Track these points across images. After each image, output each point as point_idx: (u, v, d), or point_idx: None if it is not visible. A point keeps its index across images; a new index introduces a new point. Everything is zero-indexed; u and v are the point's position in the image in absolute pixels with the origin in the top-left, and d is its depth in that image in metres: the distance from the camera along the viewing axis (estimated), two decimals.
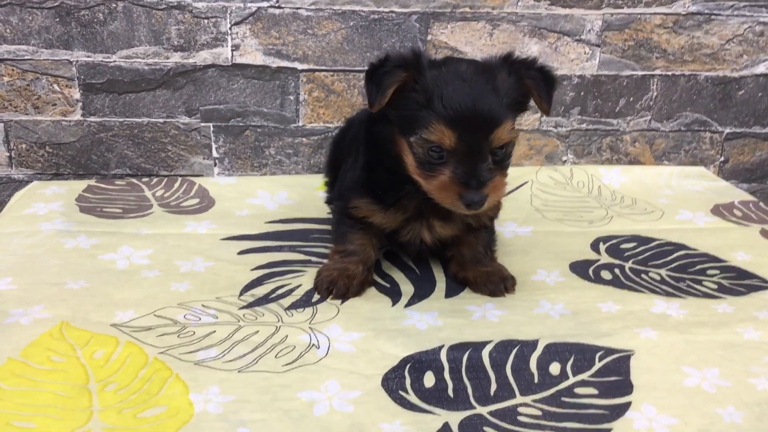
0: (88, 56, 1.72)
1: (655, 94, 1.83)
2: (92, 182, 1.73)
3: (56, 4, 1.67)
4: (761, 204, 1.71)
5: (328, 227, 1.53)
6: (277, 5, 1.71)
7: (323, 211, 1.61)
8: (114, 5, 1.68)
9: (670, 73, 1.82)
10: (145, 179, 1.76)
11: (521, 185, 1.77)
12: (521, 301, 1.28)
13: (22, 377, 1.01)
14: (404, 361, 1.09)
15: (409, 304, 1.26)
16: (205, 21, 1.71)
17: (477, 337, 1.16)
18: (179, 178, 1.75)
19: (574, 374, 1.07)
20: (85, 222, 1.52)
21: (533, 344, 1.14)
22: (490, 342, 1.14)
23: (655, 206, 1.70)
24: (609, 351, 1.12)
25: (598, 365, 1.09)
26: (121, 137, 1.78)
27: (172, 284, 1.29)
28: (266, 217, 1.59)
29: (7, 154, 1.78)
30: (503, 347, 1.13)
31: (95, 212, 1.57)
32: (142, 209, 1.60)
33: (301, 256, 1.43)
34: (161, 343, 1.11)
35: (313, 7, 1.71)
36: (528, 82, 1.16)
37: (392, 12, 1.73)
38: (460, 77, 1.12)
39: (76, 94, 1.75)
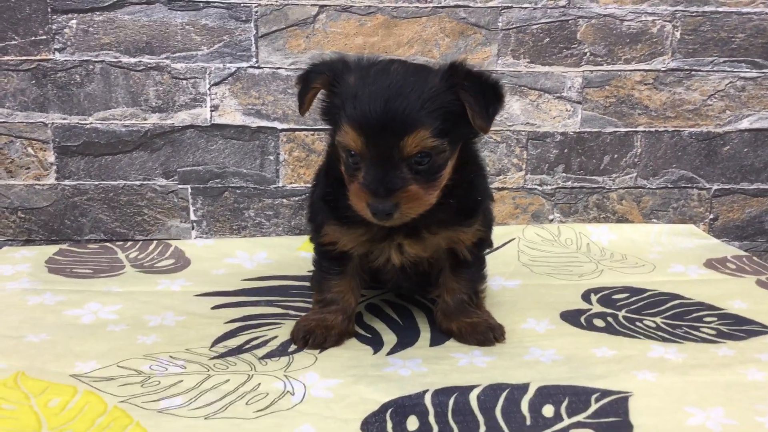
0: (64, 118, 1.69)
1: (639, 150, 1.81)
2: (63, 246, 1.67)
3: (32, 66, 1.66)
4: (755, 258, 1.66)
5: (308, 284, 1.47)
6: (256, 65, 1.70)
7: (304, 269, 1.55)
8: (92, 67, 1.67)
9: (653, 129, 1.80)
10: (119, 243, 1.70)
11: (508, 242, 1.72)
12: (510, 348, 1.21)
13: None
14: (385, 406, 1.01)
15: (391, 353, 1.19)
16: (184, 82, 1.69)
17: (464, 381, 1.08)
18: (155, 241, 1.70)
19: (569, 416, 1.00)
20: (52, 281, 1.45)
21: (524, 387, 1.06)
22: (477, 386, 1.07)
23: (646, 261, 1.65)
24: (605, 393, 1.05)
25: (594, 406, 1.02)
26: (95, 201, 1.73)
27: (139, 337, 1.22)
28: (243, 275, 1.53)
29: None
30: (492, 390, 1.05)
31: (64, 273, 1.50)
32: (114, 270, 1.53)
33: (279, 310, 1.36)
34: (123, 392, 1.03)
35: (293, 66, 1.70)
36: (462, 93, 1.06)
37: None
38: (383, 80, 1.05)
39: (51, 157, 1.71)
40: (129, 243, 1.68)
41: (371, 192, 1.03)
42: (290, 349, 1.19)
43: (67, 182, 1.73)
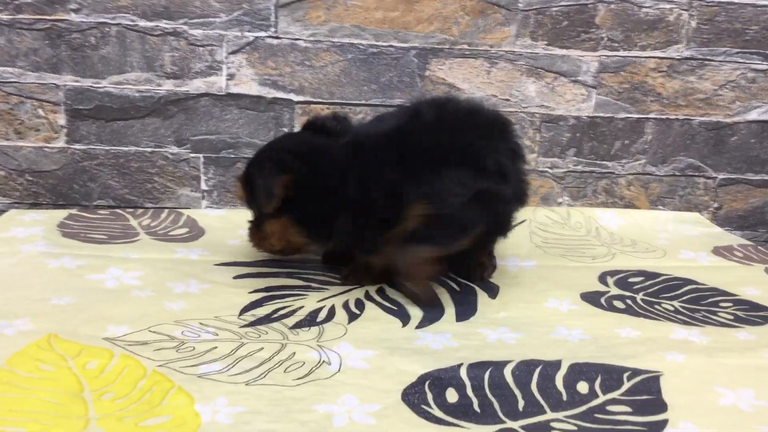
0: (77, 81, 1.66)
1: (649, 137, 1.83)
2: (73, 211, 1.64)
3: (47, 26, 1.63)
4: (760, 247, 1.70)
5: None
6: (275, 35, 1.68)
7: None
8: (107, 29, 1.64)
9: (664, 116, 1.82)
10: (129, 210, 1.68)
11: (519, 223, 1.72)
12: (537, 327, 1.22)
13: (9, 384, 0.91)
14: (423, 378, 1.02)
15: (420, 326, 1.20)
16: (201, 49, 1.67)
17: (496, 357, 1.09)
18: (166, 210, 1.68)
19: (604, 393, 1.01)
20: (69, 246, 1.43)
21: (556, 364, 1.07)
22: (510, 361, 1.08)
23: (656, 246, 1.67)
24: (636, 372, 1.07)
25: (627, 384, 1.03)
26: (105, 166, 1.71)
27: (166, 303, 1.21)
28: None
29: None
30: (525, 366, 1.06)
31: (79, 237, 1.48)
32: (128, 236, 1.52)
33: (301, 282, 1.36)
34: (159, 356, 1.02)
35: (311, 38, 1.69)
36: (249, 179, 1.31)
37: (391, 46, 1.71)
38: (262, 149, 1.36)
39: (62, 119, 1.68)
40: (140, 210, 1.66)
41: None
42: (319, 319, 1.19)
43: (77, 146, 1.70)
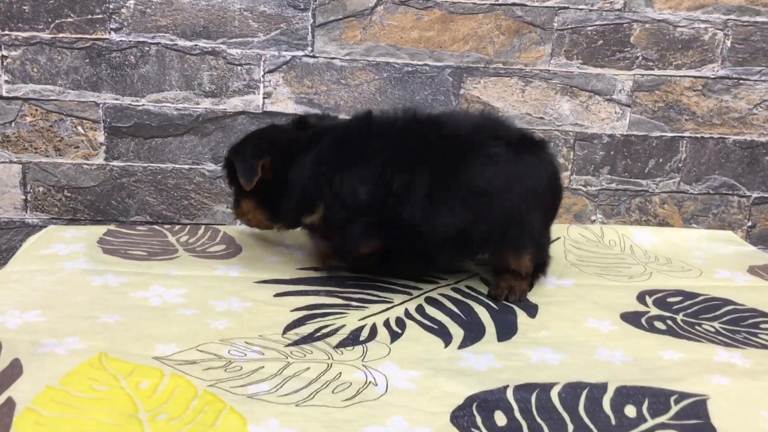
0: (116, 99, 1.68)
1: (684, 156, 1.83)
2: (112, 227, 1.66)
3: (87, 45, 1.65)
4: None
5: (362, 277, 1.47)
6: (311, 54, 1.70)
7: None
8: (147, 48, 1.66)
9: (698, 135, 1.82)
10: (167, 226, 1.69)
11: (553, 241, 1.72)
12: (578, 347, 1.22)
13: (64, 404, 0.92)
14: (470, 400, 1.02)
15: (462, 347, 1.20)
16: (239, 68, 1.69)
17: (541, 378, 1.09)
18: (203, 226, 1.69)
19: (652, 417, 1.01)
20: (110, 262, 1.44)
21: (603, 387, 1.07)
22: (556, 384, 1.08)
23: (691, 265, 1.66)
24: (683, 395, 1.06)
25: (675, 408, 1.03)
26: (143, 183, 1.73)
27: (211, 322, 1.22)
28: (297, 264, 1.53)
29: (23, 197, 1.72)
30: (572, 389, 1.06)
31: (119, 254, 1.50)
32: (168, 253, 1.53)
33: (341, 300, 1.36)
34: (208, 376, 1.03)
35: (347, 57, 1.70)
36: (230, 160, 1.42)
37: (426, 65, 1.73)
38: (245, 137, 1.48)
39: (101, 137, 1.70)
40: (177, 227, 1.68)
41: None
42: (361, 338, 1.20)
43: (115, 163, 1.72)
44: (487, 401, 1.02)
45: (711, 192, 1.86)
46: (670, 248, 1.78)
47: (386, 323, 1.27)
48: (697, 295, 1.48)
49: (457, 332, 1.25)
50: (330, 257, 1.47)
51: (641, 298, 1.45)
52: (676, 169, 1.84)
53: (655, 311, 1.39)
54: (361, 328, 1.25)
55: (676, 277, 1.59)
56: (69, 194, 1.73)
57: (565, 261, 1.64)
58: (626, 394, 1.06)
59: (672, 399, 1.05)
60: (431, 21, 1.71)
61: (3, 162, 1.70)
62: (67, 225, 1.71)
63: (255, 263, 1.51)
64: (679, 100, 1.80)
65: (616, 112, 1.80)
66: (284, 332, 1.20)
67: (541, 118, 1.78)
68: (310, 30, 1.69)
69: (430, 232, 1.32)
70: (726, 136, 1.83)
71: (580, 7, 1.73)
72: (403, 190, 1.30)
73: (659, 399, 1.05)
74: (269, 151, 1.38)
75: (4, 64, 1.65)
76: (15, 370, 0.99)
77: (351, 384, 1.04)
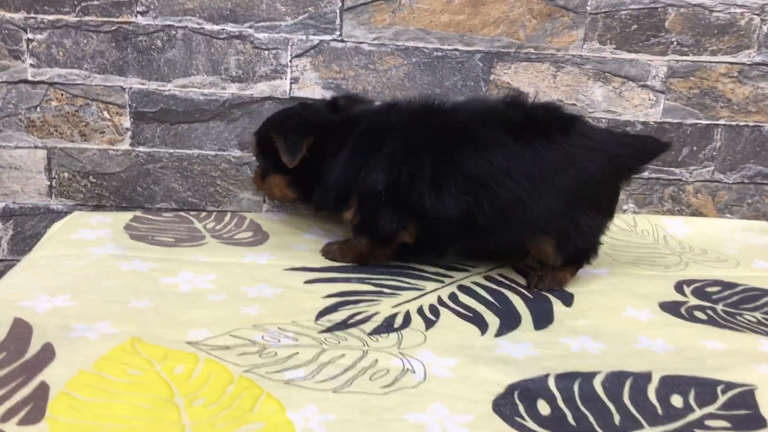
0: (143, 83, 1.66)
1: (718, 144, 1.79)
2: (138, 213, 1.64)
3: (113, 28, 1.63)
4: None
5: (392, 264, 1.45)
6: (339, 39, 1.67)
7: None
8: (174, 32, 1.64)
9: (734, 123, 1.78)
10: (193, 213, 1.67)
11: None
12: (618, 336, 1.19)
13: (99, 389, 0.90)
14: (511, 388, 1.00)
15: (499, 334, 1.17)
16: (266, 52, 1.66)
17: (582, 367, 1.06)
18: (229, 213, 1.67)
19: (699, 407, 0.98)
20: (138, 248, 1.43)
21: (647, 376, 1.05)
22: (599, 372, 1.05)
23: (727, 256, 1.63)
24: (730, 385, 1.03)
25: (722, 398, 1.00)
26: (169, 169, 1.71)
27: (242, 308, 1.20)
28: None
29: (48, 183, 1.70)
30: (615, 378, 1.04)
31: (147, 240, 1.48)
32: (195, 239, 1.51)
33: (372, 287, 1.34)
34: (243, 361, 1.01)
35: (376, 41, 1.67)
36: (272, 135, 1.44)
37: (456, 50, 1.69)
38: (277, 113, 1.55)
39: (127, 122, 1.68)
40: (204, 213, 1.66)
41: None
42: (396, 326, 1.18)
43: (141, 149, 1.70)
44: (529, 390, 1.00)
45: (746, 181, 1.82)
46: (704, 239, 1.74)
47: (420, 311, 1.25)
48: (736, 285, 1.45)
49: (493, 320, 1.23)
50: (369, 256, 1.44)
51: (679, 287, 1.42)
52: (710, 158, 1.80)
53: (694, 301, 1.36)
54: (395, 315, 1.22)
55: (713, 267, 1.55)
56: (94, 180, 1.71)
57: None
58: (671, 384, 1.03)
59: (719, 389, 1.02)
60: (462, 4, 1.67)
61: (28, 147, 1.68)
62: (92, 211, 1.69)
63: (283, 251, 1.49)
64: (714, 86, 1.76)
65: (649, 99, 1.76)
66: (317, 318, 1.18)
67: (573, 104, 1.74)
68: (338, 13, 1.66)
69: (435, 217, 1.34)
70: (762, 124, 1.79)
71: None
72: (409, 178, 1.34)
73: (705, 389, 1.02)
74: (312, 130, 1.42)
75: (30, 47, 1.63)
76: (47, 354, 0.97)
77: (388, 371, 1.02)
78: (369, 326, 1.17)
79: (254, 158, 1.63)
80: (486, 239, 1.40)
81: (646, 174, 1.80)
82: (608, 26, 1.71)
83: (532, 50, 1.71)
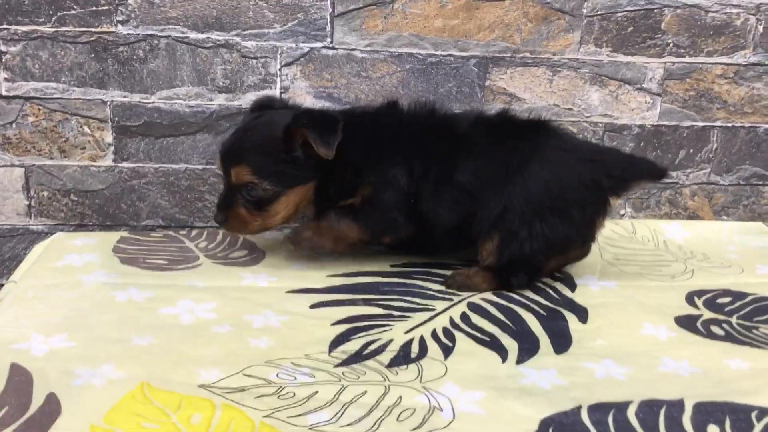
0: (125, 96, 1.58)
1: (715, 146, 1.77)
2: (124, 233, 1.56)
3: (92, 39, 1.55)
4: None
5: (395, 280, 1.41)
6: (331, 46, 1.61)
7: (385, 263, 1.48)
8: (156, 42, 1.56)
9: (730, 124, 1.76)
10: (182, 231, 1.60)
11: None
12: (641, 358, 1.16)
13: None
14: (544, 424, 0.96)
15: (520, 361, 1.13)
16: (254, 61, 1.59)
17: (613, 396, 1.03)
18: (221, 231, 1.60)
19: None
20: (130, 274, 1.35)
21: (679, 404, 1.01)
22: (630, 402, 1.01)
23: (729, 261, 1.61)
24: (763, 411, 1.01)
25: (758, 426, 0.98)
26: (154, 185, 1.63)
27: (250, 340, 1.14)
28: (326, 271, 1.44)
29: (26, 202, 1.62)
30: (648, 408, 1.00)
31: (138, 263, 1.40)
32: (189, 260, 1.44)
33: (380, 310, 1.29)
34: (262, 405, 0.96)
35: (368, 48, 1.62)
36: (297, 132, 1.29)
37: (450, 55, 1.64)
38: (247, 124, 1.39)
39: (108, 137, 1.60)
40: (194, 231, 1.59)
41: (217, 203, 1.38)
42: (413, 355, 1.13)
43: (125, 164, 1.62)
44: (563, 425, 0.96)
45: (741, 183, 1.81)
46: (704, 242, 1.72)
47: (434, 335, 1.20)
48: (745, 294, 1.43)
49: (511, 344, 1.19)
50: (351, 235, 1.40)
51: (690, 299, 1.39)
52: (706, 160, 1.78)
53: (708, 314, 1.33)
54: (410, 342, 1.17)
55: (719, 274, 1.53)
56: (76, 198, 1.63)
57: (602, 260, 1.58)
58: (705, 412, 1.00)
59: (753, 415, 1.00)
60: (456, 8, 1.62)
61: (4, 165, 1.59)
62: (75, 231, 1.61)
63: (282, 270, 1.43)
64: (711, 88, 1.74)
65: (646, 102, 1.73)
66: (330, 350, 1.13)
67: (570, 109, 1.71)
68: (329, 20, 1.60)
69: (436, 224, 1.39)
70: (758, 125, 1.78)
71: None
72: (417, 185, 1.37)
73: (740, 416, 0.99)
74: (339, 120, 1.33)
75: (3, 60, 1.54)
76: (53, 407, 0.90)
77: (415, 410, 0.97)
78: (385, 357, 1.12)
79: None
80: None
81: None
82: (604, 29, 1.67)
83: (527, 54, 1.67)
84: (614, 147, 1.69)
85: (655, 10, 1.67)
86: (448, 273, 1.44)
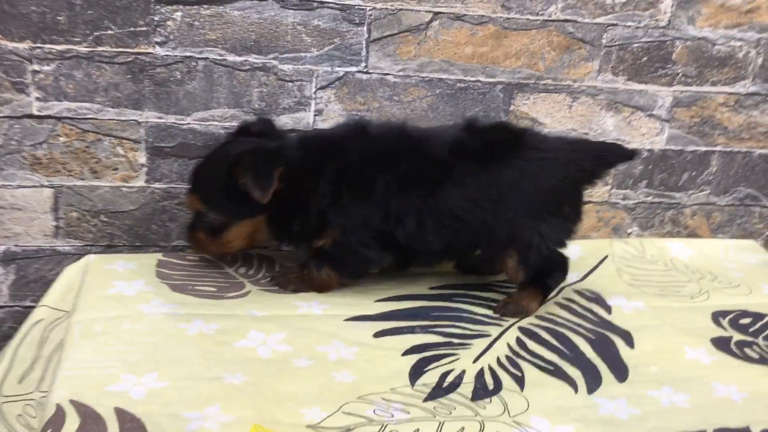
0: (160, 117, 1.57)
1: (714, 169, 1.88)
2: (160, 256, 1.56)
3: (129, 59, 1.53)
4: None
5: (440, 303, 1.46)
6: (365, 70, 1.63)
7: (424, 286, 1.53)
8: (194, 64, 1.55)
9: (729, 149, 1.88)
10: None
11: (603, 259, 1.74)
12: (694, 384, 1.24)
13: None
14: None
15: (591, 391, 1.20)
16: (290, 84, 1.61)
17: (686, 426, 1.11)
18: (255, 256, 1.61)
19: None
20: (186, 303, 1.36)
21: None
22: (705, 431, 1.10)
23: (736, 280, 1.72)
24: None
25: None
26: (186, 206, 1.62)
27: (333, 374, 1.17)
28: (372, 296, 1.47)
29: (54, 223, 1.59)
30: None
31: (188, 291, 1.41)
32: (236, 287, 1.45)
33: (440, 338, 1.33)
34: None
35: (401, 73, 1.65)
36: (237, 170, 1.32)
37: (478, 81, 1.69)
38: (216, 152, 1.42)
39: (142, 158, 1.59)
40: (228, 257, 1.59)
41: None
42: (489, 387, 1.18)
43: (157, 185, 1.61)
44: None
45: (736, 203, 1.93)
46: (704, 260, 1.82)
47: (501, 365, 1.26)
48: (762, 315, 1.53)
49: (575, 374, 1.25)
50: (332, 284, 1.46)
51: (716, 320, 1.49)
52: (706, 182, 1.89)
53: (737, 335, 1.43)
54: (482, 372, 1.23)
55: (731, 294, 1.63)
56: (105, 219, 1.61)
57: (621, 281, 1.66)
58: None
59: None
60: (485, 36, 1.67)
61: (33, 186, 1.56)
62: (108, 254, 1.59)
63: (329, 297, 1.45)
64: (713, 115, 1.85)
65: (655, 128, 1.82)
66: (413, 384, 1.17)
67: (586, 133, 1.79)
68: (364, 45, 1.62)
69: (419, 250, 1.44)
70: (753, 150, 1.90)
71: (628, 24, 1.74)
72: (395, 217, 1.39)
73: None
74: (280, 160, 1.35)
75: (36, 79, 1.50)
76: None
77: None
78: (465, 389, 1.17)
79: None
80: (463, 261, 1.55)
81: (650, 198, 1.87)
82: (621, 58, 1.75)
83: (550, 81, 1.74)
84: (583, 138, 1.76)
85: (668, 42, 1.76)
86: (487, 294, 1.49)
